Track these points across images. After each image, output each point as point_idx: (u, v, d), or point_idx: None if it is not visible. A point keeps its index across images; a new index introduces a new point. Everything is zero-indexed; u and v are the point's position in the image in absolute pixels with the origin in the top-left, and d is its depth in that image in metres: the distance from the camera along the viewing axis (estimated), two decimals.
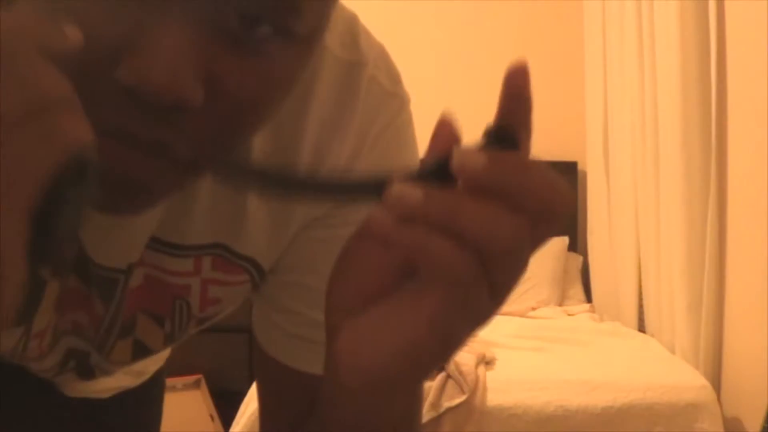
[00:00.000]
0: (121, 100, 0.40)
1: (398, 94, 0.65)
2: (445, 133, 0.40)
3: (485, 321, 0.39)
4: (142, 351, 0.69)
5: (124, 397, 0.91)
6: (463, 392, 2.10)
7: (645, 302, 3.00)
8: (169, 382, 3.09)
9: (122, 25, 0.39)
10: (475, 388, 2.12)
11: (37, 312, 0.62)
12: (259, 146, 0.58)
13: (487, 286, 0.37)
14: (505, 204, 0.36)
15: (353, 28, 0.65)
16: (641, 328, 3.02)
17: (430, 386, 2.12)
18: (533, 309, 3.28)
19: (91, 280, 0.62)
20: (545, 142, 3.97)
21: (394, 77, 0.65)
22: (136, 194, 0.45)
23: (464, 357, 2.24)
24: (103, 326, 0.66)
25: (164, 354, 0.92)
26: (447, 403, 2.09)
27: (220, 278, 0.64)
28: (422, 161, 0.38)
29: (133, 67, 0.39)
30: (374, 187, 0.37)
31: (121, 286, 0.62)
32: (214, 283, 0.64)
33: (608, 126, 3.43)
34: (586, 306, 3.40)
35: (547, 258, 3.63)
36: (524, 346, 2.57)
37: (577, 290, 3.65)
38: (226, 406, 2.74)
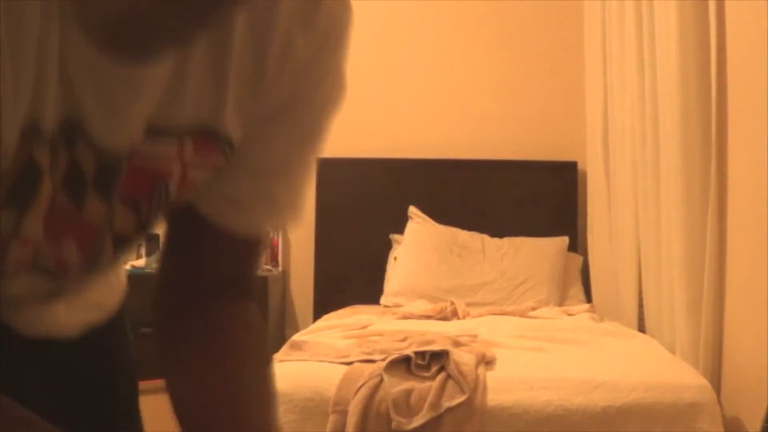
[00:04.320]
0: None
1: (351, 8, 0.74)
2: None
3: None
4: (121, 244, 0.75)
5: (89, 337, 0.93)
6: (463, 392, 2.10)
7: (645, 302, 3.00)
8: None
9: None
10: (475, 388, 2.12)
11: (31, 206, 0.65)
12: (240, 31, 0.67)
13: None
14: None
15: None
16: (641, 328, 3.02)
17: (431, 386, 2.13)
18: (533, 309, 3.28)
19: (96, 176, 0.67)
20: (545, 142, 3.98)
21: None
22: (150, 38, 0.58)
23: (464, 357, 2.24)
24: (99, 237, 0.71)
25: (120, 286, 0.97)
26: (447, 403, 2.08)
27: (201, 162, 0.71)
28: None
29: None
30: None
31: (121, 175, 0.68)
32: (193, 167, 0.71)
33: (608, 126, 3.43)
34: (586, 306, 3.40)
35: (547, 258, 3.63)
36: (524, 346, 2.57)
37: (577, 290, 3.65)
38: None
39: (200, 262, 0.80)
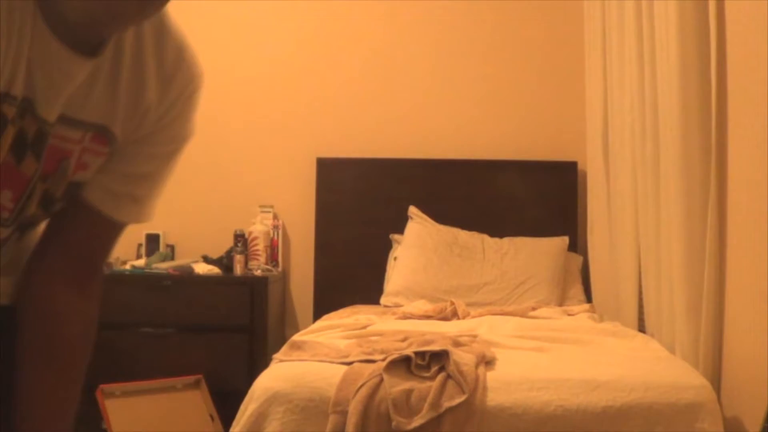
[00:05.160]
0: None
1: (202, 76, 1.10)
2: None
3: None
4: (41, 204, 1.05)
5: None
6: (463, 392, 2.10)
7: (645, 302, 3.00)
8: (169, 382, 3.11)
9: None
10: (475, 388, 2.12)
11: None
12: (125, 75, 1.02)
13: None
14: None
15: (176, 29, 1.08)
16: (641, 328, 3.02)
17: (431, 386, 2.13)
18: (533, 309, 3.28)
19: (33, 140, 0.97)
20: (545, 142, 3.98)
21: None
22: (107, 25, 0.92)
23: (464, 357, 2.24)
24: (29, 188, 1.00)
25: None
26: (447, 403, 2.08)
27: (94, 148, 1.03)
28: None
29: None
30: None
31: (48, 140, 0.98)
32: (89, 152, 1.03)
33: (608, 126, 3.43)
34: (586, 306, 3.40)
35: (547, 258, 3.63)
36: (524, 346, 2.57)
37: (577, 290, 3.65)
38: (226, 406, 2.74)
39: (73, 234, 1.08)
